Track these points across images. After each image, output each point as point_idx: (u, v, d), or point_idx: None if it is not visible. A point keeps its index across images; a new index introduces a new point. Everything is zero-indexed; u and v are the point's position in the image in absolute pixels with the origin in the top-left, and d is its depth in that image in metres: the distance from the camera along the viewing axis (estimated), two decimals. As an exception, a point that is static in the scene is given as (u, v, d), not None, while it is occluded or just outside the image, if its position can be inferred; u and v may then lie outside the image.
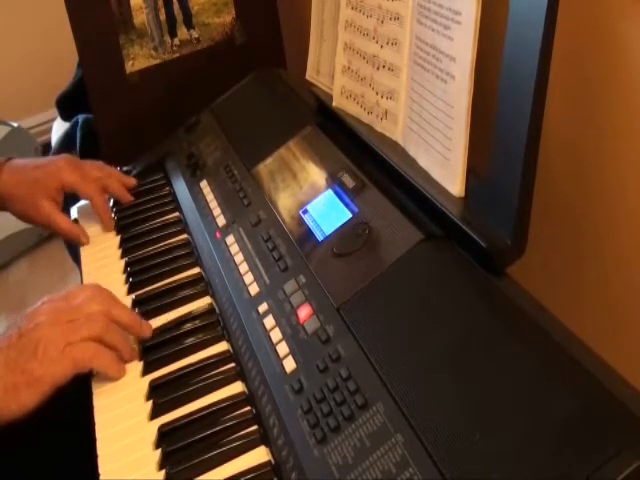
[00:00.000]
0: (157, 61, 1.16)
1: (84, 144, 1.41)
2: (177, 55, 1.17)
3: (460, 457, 0.49)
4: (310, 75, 0.95)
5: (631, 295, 0.68)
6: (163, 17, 1.14)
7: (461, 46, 0.63)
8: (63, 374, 0.66)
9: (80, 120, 1.43)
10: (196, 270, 0.85)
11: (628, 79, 0.61)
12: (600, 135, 0.66)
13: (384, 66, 0.78)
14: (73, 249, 1.37)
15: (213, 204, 0.91)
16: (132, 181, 1.02)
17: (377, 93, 0.80)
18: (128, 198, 1.00)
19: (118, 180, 1.00)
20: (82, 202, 1.02)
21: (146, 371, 0.72)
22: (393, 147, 0.77)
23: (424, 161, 0.72)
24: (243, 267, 0.78)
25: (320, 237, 0.73)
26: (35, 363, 0.65)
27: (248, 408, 0.65)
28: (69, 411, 0.78)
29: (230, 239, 0.83)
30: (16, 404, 0.64)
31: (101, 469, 0.63)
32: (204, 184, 0.95)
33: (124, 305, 0.75)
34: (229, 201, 0.89)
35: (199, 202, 0.93)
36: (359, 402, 0.56)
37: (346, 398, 0.57)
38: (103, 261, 0.92)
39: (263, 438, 0.62)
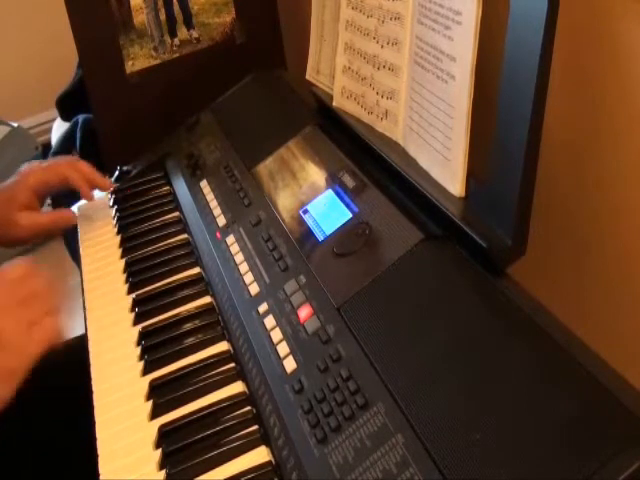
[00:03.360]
0: (157, 61, 1.16)
1: (84, 144, 1.42)
2: (177, 55, 1.17)
3: (460, 457, 0.49)
4: (310, 75, 0.95)
5: (631, 295, 0.68)
6: (163, 17, 1.14)
7: (461, 46, 0.63)
8: (33, 359, 0.64)
9: (80, 120, 1.43)
10: (196, 270, 0.85)
11: (628, 79, 0.61)
12: (600, 135, 0.66)
13: (384, 66, 0.78)
14: (73, 249, 1.37)
15: (213, 204, 0.91)
16: (105, 182, 0.99)
17: (377, 93, 0.80)
18: (87, 195, 0.97)
19: (84, 173, 0.97)
20: (82, 202, 1.02)
21: (146, 371, 0.72)
22: (393, 147, 0.77)
23: (424, 161, 0.72)
24: (243, 267, 0.78)
25: (320, 237, 0.73)
26: (2, 356, 0.62)
27: (248, 408, 0.65)
28: (69, 411, 0.78)
29: (230, 239, 0.83)
30: None
31: (101, 469, 0.63)
32: (204, 184, 0.95)
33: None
34: (229, 201, 0.89)
35: (199, 202, 0.93)
36: (359, 402, 0.56)
37: (346, 398, 0.57)
38: (103, 261, 0.92)
39: (263, 438, 0.62)
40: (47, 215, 0.94)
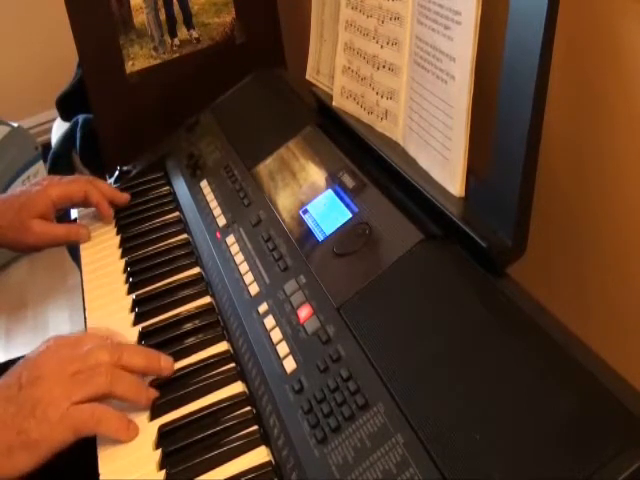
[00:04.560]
0: (157, 61, 1.16)
1: (84, 144, 1.42)
2: (177, 55, 1.17)
3: (460, 457, 0.49)
4: (310, 75, 0.95)
5: (631, 295, 0.68)
6: (163, 17, 1.14)
7: (461, 46, 0.63)
8: (62, 440, 0.61)
9: (80, 120, 1.43)
10: (196, 270, 0.85)
11: (628, 79, 0.61)
12: (600, 135, 0.66)
13: (384, 66, 0.78)
14: (73, 249, 1.37)
15: (213, 204, 0.91)
16: (123, 197, 0.99)
17: (377, 93, 0.80)
18: (106, 211, 0.97)
19: (103, 191, 0.97)
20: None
21: (146, 371, 0.72)
22: (393, 147, 0.77)
23: (424, 161, 0.72)
24: (243, 267, 0.78)
25: (320, 237, 0.73)
26: (33, 423, 0.59)
27: (248, 408, 0.65)
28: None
29: (230, 239, 0.83)
30: (9, 467, 0.59)
31: (101, 469, 0.63)
32: (204, 184, 0.95)
33: (137, 347, 0.71)
34: (229, 201, 0.89)
35: (199, 202, 0.93)
36: (359, 402, 0.56)
37: (346, 398, 0.57)
38: (103, 261, 0.92)
39: (263, 438, 0.62)
40: (62, 227, 0.93)
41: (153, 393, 0.68)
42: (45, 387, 0.61)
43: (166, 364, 0.70)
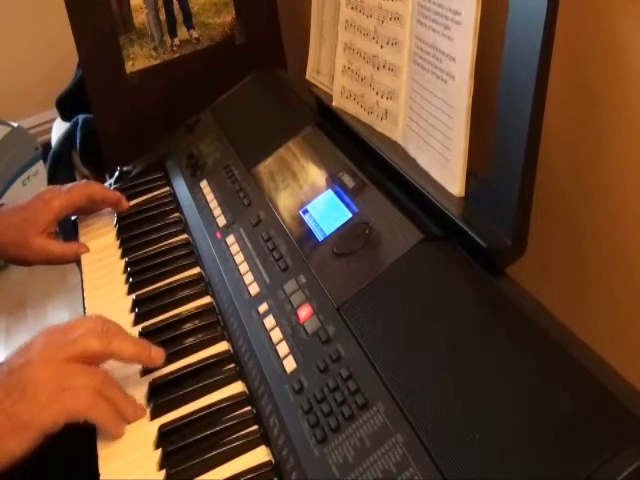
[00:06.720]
0: (157, 61, 1.16)
1: (84, 144, 1.42)
2: (177, 55, 1.17)
3: (460, 457, 0.49)
4: (310, 75, 0.95)
5: (631, 294, 0.68)
6: (163, 17, 1.15)
7: (461, 46, 0.63)
8: (53, 422, 0.60)
9: (80, 120, 1.43)
10: (196, 270, 0.85)
11: (628, 79, 0.61)
12: (600, 135, 0.66)
13: (384, 66, 0.78)
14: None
15: (213, 204, 0.91)
16: (123, 204, 0.99)
17: (377, 93, 0.80)
18: (116, 196, 0.98)
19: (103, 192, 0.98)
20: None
21: (146, 372, 0.72)
22: (393, 147, 0.77)
23: (424, 161, 0.72)
24: (243, 267, 0.78)
25: (320, 237, 0.73)
26: (23, 406, 0.59)
27: (248, 408, 0.65)
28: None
29: (230, 239, 0.83)
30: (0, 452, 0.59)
31: (101, 469, 0.63)
32: (204, 184, 0.95)
33: (128, 335, 0.69)
34: (229, 201, 0.89)
35: (199, 202, 0.93)
36: (359, 402, 0.56)
37: (346, 398, 0.57)
38: (103, 261, 0.92)
39: (263, 438, 0.62)
40: (59, 246, 0.93)
41: (141, 410, 0.67)
42: (34, 370, 0.62)
43: (157, 354, 0.69)
